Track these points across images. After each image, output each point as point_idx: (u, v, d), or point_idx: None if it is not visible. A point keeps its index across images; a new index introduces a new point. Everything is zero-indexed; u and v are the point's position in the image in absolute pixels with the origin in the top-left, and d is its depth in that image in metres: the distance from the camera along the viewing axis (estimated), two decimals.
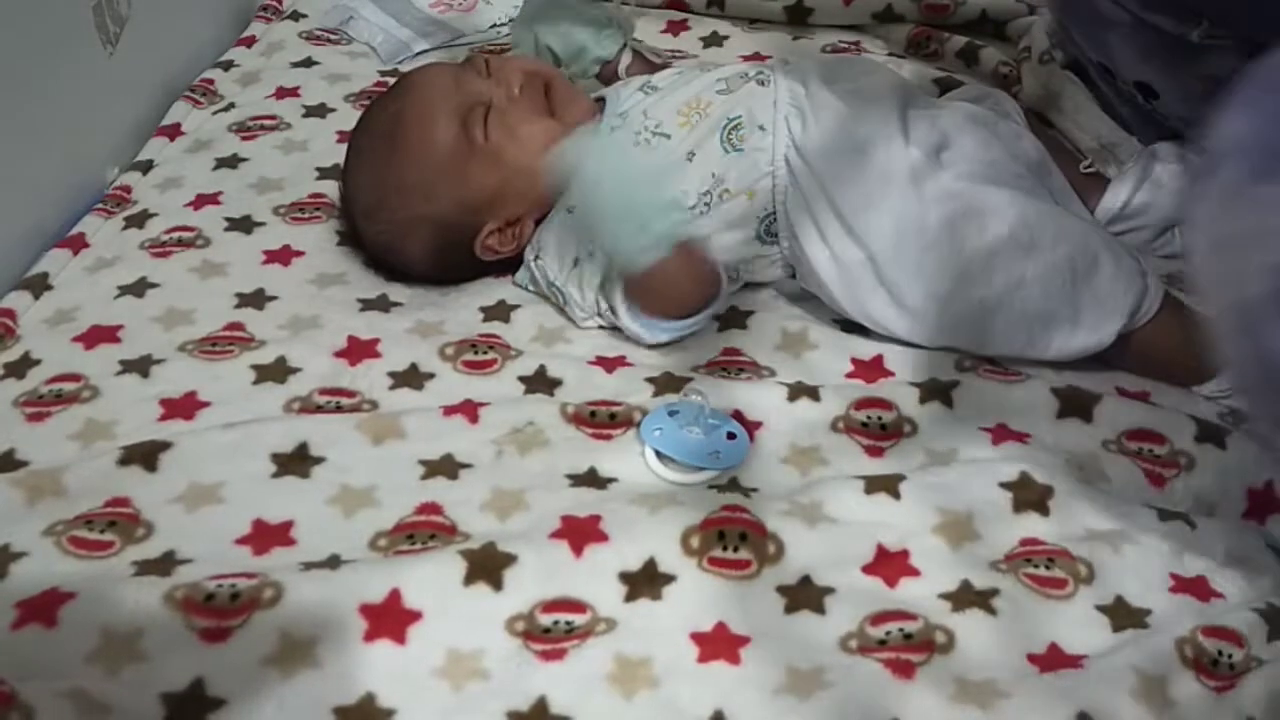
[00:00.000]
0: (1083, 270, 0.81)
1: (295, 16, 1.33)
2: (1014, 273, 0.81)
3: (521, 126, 0.90)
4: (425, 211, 0.90)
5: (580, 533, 0.69)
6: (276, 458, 0.75)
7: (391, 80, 1.14)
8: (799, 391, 0.81)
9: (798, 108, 0.89)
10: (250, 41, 1.28)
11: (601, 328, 0.90)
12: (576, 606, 0.66)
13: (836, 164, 0.85)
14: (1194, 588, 0.68)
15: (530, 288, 0.93)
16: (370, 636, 0.63)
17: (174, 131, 1.11)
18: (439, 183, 0.89)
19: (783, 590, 0.68)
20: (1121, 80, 0.93)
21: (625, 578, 0.67)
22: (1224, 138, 0.52)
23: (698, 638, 0.65)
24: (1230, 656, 0.64)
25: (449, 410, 0.79)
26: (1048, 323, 0.81)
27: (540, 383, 0.84)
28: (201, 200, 1.01)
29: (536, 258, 0.91)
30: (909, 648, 0.64)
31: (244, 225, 0.98)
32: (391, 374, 0.84)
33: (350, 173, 0.95)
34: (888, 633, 0.65)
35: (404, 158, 0.90)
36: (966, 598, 0.67)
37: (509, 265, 0.94)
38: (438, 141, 0.89)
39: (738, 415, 0.79)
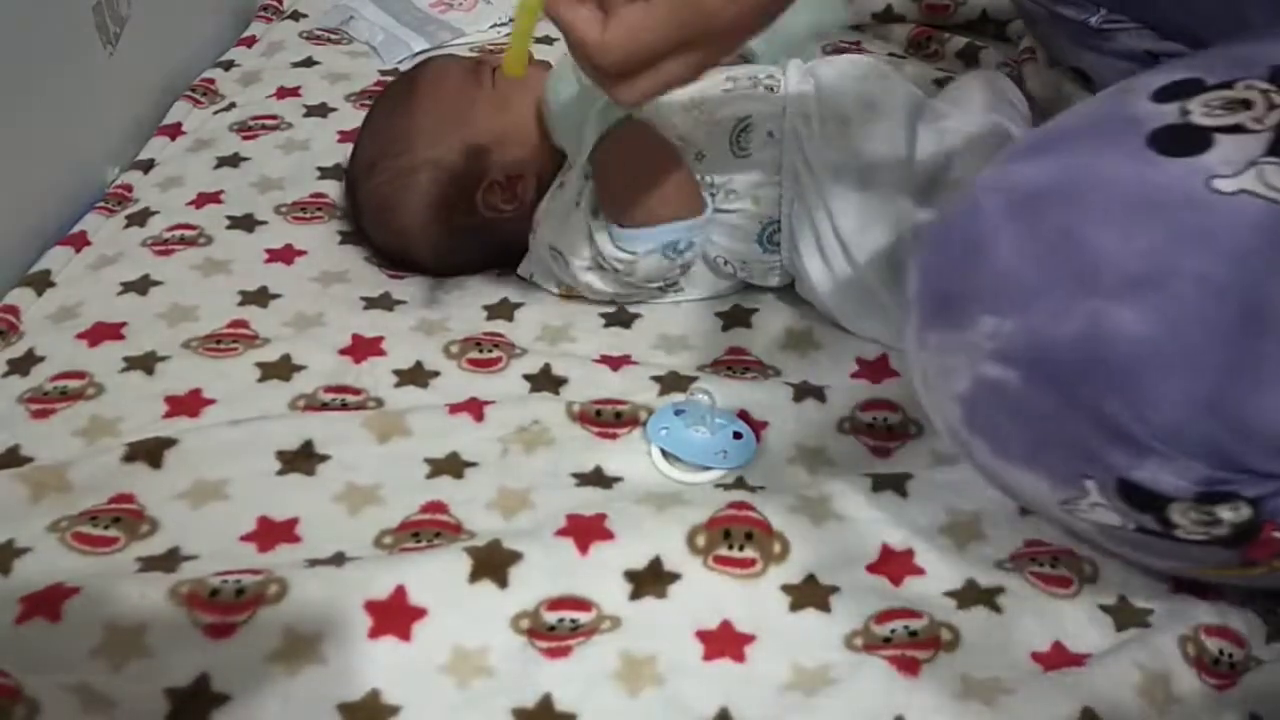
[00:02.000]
0: None
1: (295, 16, 1.33)
2: None
3: (530, 76, 0.92)
4: (429, 155, 0.91)
5: (586, 531, 0.69)
6: (282, 455, 0.75)
7: (391, 80, 1.15)
8: (805, 392, 0.81)
9: (806, 115, 0.88)
10: (251, 41, 1.29)
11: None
12: (582, 604, 0.66)
13: (841, 179, 0.85)
14: (1195, 588, 0.68)
15: (534, 276, 0.93)
16: (375, 633, 0.63)
17: (175, 131, 1.11)
18: (445, 124, 0.91)
19: (788, 588, 0.67)
20: (1055, 65, 0.98)
21: (631, 576, 0.67)
22: (908, 291, 0.61)
23: (703, 635, 0.65)
24: (1231, 656, 0.64)
25: (454, 408, 0.79)
26: None
27: (545, 381, 0.84)
28: (203, 199, 1.01)
29: (533, 232, 0.91)
30: (914, 645, 0.64)
31: (246, 224, 0.98)
32: (396, 372, 0.84)
33: (359, 138, 0.97)
34: (893, 630, 0.65)
35: (414, 104, 0.93)
36: (972, 595, 0.67)
37: (510, 256, 0.94)
38: (448, 88, 0.92)
39: (744, 415, 0.79)
